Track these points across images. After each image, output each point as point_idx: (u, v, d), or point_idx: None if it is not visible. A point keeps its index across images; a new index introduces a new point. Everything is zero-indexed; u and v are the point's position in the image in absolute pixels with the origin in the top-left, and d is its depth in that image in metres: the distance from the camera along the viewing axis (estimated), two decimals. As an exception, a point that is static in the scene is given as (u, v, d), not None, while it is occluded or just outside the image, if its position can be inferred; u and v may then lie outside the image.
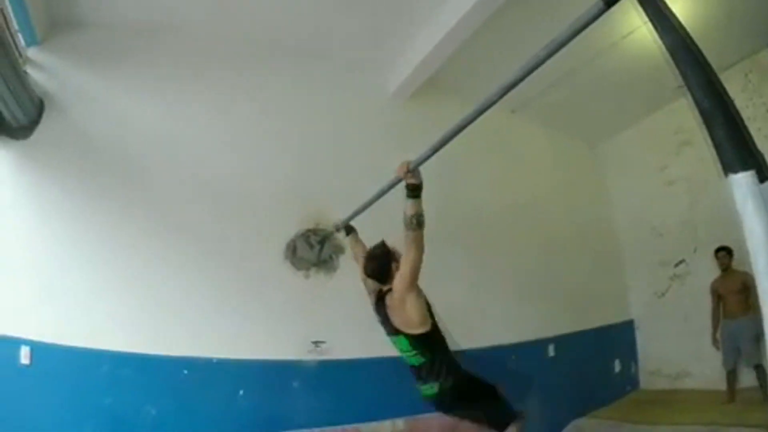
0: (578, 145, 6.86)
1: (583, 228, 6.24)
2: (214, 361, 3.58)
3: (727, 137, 1.01)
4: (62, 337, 3.28)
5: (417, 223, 2.40)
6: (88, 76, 3.83)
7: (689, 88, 1.09)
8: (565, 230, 5.98)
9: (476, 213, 5.13)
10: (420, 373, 2.72)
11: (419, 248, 2.44)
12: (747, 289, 4.77)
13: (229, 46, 4.29)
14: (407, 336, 2.62)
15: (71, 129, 3.69)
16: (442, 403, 2.73)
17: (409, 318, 2.58)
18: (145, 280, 3.57)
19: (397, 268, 2.60)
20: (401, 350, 2.74)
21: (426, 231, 2.52)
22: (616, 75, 5.35)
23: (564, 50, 4.92)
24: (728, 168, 1.01)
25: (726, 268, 5.08)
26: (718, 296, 5.13)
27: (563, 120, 6.32)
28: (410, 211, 2.40)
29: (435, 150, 2.40)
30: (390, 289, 2.66)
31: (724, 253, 5.08)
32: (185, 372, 3.49)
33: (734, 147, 1.00)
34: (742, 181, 0.98)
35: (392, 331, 2.70)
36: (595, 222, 6.55)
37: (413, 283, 2.53)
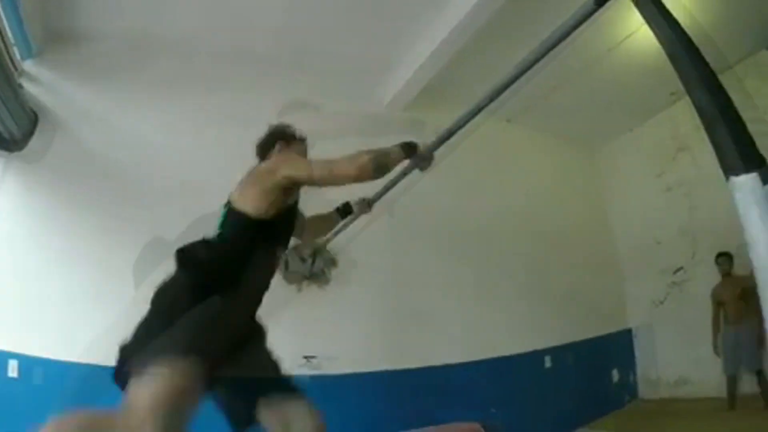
0: (575, 151, 6.84)
1: (581, 236, 6.21)
2: None
3: (728, 137, 0.95)
4: (50, 351, 3.25)
5: (378, 163, 2.01)
6: (82, 88, 3.84)
7: (687, 87, 1.02)
8: (563, 238, 5.92)
9: (472, 224, 5.09)
10: None
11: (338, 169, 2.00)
12: (748, 294, 4.68)
13: (222, 60, 4.26)
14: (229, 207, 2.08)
15: (64, 141, 3.68)
16: None
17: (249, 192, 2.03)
18: (124, 294, 3.48)
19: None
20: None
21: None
22: (612, 81, 5.33)
23: (559, 56, 4.86)
24: (730, 170, 0.94)
25: (727, 274, 5.02)
26: (718, 303, 5.07)
27: (559, 127, 6.30)
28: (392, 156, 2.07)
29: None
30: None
31: (724, 258, 5.02)
32: None
33: (736, 147, 0.93)
34: (745, 183, 0.91)
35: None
36: (593, 229, 6.51)
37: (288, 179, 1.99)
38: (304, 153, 2.36)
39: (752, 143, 0.94)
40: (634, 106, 6.04)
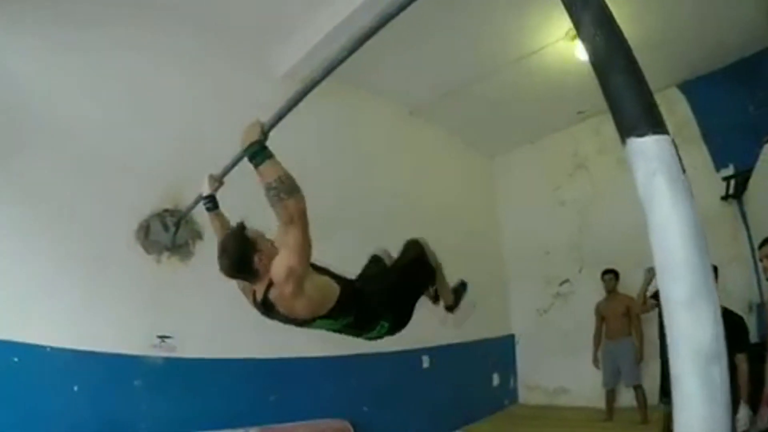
0: (476, 154, 6.86)
1: (471, 238, 6.17)
2: (48, 349, 3.01)
3: (628, 87, 0.72)
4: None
5: (288, 187, 1.76)
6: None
7: (578, 26, 0.76)
8: (453, 238, 5.78)
9: (356, 214, 4.84)
10: (357, 324, 2.26)
11: (302, 222, 1.79)
12: (630, 312, 4.95)
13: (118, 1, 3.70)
14: (325, 317, 2.07)
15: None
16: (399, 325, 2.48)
17: (317, 304, 1.99)
18: None
19: (262, 260, 1.93)
20: (326, 327, 2.21)
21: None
22: (521, 90, 5.35)
23: (470, 56, 4.74)
24: (630, 129, 0.70)
25: (611, 291, 5.20)
26: (601, 317, 5.25)
27: (462, 127, 6.26)
28: (271, 176, 1.77)
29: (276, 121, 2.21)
30: (270, 285, 1.95)
31: (611, 276, 5.21)
32: (15, 359, 2.92)
33: (640, 101, 0.70)
34: (652, 147, 0.67)
35: (305, 322, 2.10)
36: (484, 233, 6.54)
37: (304, 270, 1.87)
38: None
39: (655, 103, 0.72)
40: (540, 119, 6.13)
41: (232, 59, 4.27)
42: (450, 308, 3.08)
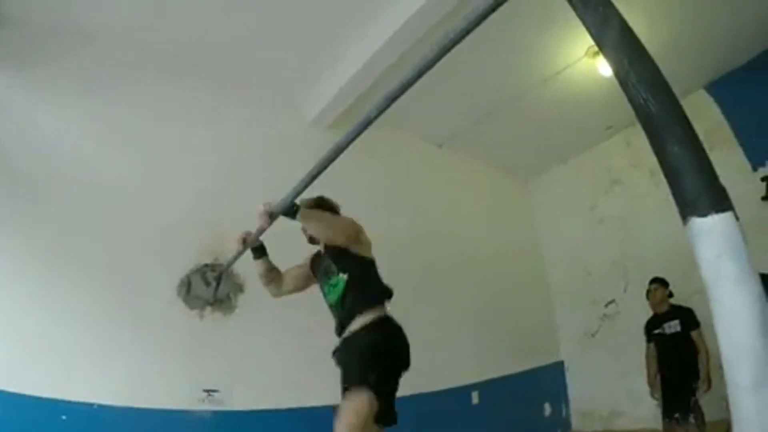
0: (509, 181, 6.78)
1: (511, 267, 6.08)
2: (95, 406, 3.04)
3: (687, 159, 0.65)
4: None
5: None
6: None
7: (627, 87, 0.72)
8: (493, 269, 5.78)
9: (395, 253, 4.79)
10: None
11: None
12: None
13: (143, 59, 3.88)
14: (332, 254, 2.60)
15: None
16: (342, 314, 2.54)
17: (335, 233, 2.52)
18: (19, 308, 3.04)
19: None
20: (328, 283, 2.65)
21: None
22: (548, 111, 5.30)
23: (494, 83, 4.75)
24: (691, 209, 0.64)
25: (658, 310, 4.94)
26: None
27: (493, 155, 6.22)
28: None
29: (306, 185, 2.13)
30: None
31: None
32: (63, 417, 2.95)
33: (700, 176, 0.63)
34: (715, 227, 0.61)
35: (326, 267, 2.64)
36: (524, 261, 6.41)
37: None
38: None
39: (717, 177, 0.66)
40: (570, 138, 6.05)
41: (259, 109, 4.37)
42: None
